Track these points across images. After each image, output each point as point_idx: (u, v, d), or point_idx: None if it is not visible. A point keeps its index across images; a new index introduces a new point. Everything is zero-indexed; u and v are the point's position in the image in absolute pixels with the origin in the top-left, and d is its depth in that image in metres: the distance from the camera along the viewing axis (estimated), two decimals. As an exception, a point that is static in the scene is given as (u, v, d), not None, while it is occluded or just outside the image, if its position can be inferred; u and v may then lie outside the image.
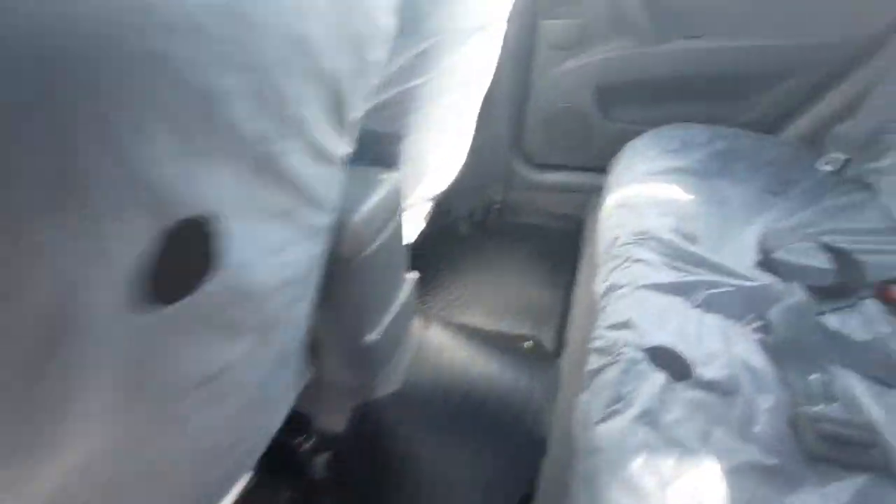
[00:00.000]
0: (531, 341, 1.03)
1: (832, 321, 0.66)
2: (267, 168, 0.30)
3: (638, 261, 0.73)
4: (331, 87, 0.32)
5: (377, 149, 0.78)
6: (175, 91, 0.22)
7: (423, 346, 0.93)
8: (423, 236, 1.41)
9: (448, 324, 1.03)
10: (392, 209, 0.76)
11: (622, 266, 0.74)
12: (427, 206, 1.14)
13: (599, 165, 1.21)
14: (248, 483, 0.85)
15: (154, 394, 0.29)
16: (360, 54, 0.33)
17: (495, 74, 1.30)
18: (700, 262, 0.72)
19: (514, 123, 1.40)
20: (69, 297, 0.21)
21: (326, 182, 0.41)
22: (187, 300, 0.27)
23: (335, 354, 0.76)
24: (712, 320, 0.63)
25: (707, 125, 1.14)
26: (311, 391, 0.78)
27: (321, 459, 0.83)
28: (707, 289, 0.66)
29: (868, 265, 0.77)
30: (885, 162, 0.94)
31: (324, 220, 0.48)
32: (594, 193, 1.19)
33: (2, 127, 0.17)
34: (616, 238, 0.81)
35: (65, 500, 0.27)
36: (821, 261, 0.76)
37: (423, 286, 1.32)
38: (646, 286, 0.68)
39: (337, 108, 0.34)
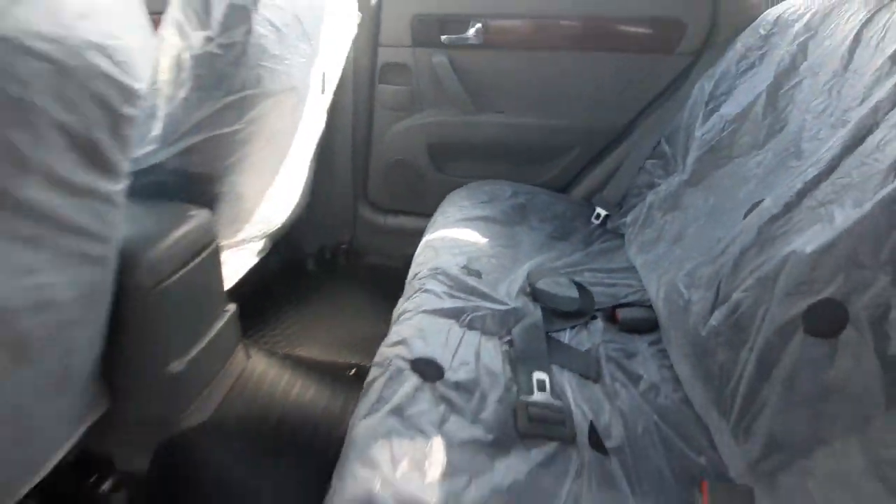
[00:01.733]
0: (356, 368, 1.11)
1: (565, 336, 0.86)
2: (4, 199, 0.36)
3: (427, 291, 0.87)
4: (78, 134, 0.39)
5: (190, 188, 0.84)
6: None
7: (244, 375, 0.96)
8: (272, 273, 1.45)
9: (274, 354, 1.08)
10: (201, 243, 0.81)
11: (414, 296, 0.87)
12: (260, 245, 1.20)
13: (432, 212, 1.38)
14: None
15: None
16: (109, 109, 0.41)
17: (340, 129, 1.43)
18: (474, 292, 0.88)
19: (358, 173, 1.54)
20: None
21: (90, 213, 0.47)
22: None
23: (135, 385, 0.77)
24: (471, 337, 0.78)
25: (512, 182, 1.38)
26: (109, 428, 0.77)
27: (119, 498, 0.81)
28: (473, 312, 0.82)
29: (603, 294, 1.00)
30: (628, 219, 1.23)
31: (98, 248, 0.53)
32: (426, 236, 1.35)
33: None
34: (416, 273, 0.95)
35: None
36: (569, 291, 0.96)
37: (262, 321, 1.35)
38: (427, 311, 0.81)
39: (89, 150, 0.41)
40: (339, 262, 1.63)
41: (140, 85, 0.44)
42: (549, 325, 0.86)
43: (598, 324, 0.91)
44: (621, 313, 0.94)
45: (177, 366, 0.79)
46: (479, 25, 1.31)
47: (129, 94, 0.43)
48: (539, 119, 1.41)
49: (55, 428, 0.63)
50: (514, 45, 1.35)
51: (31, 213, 0.39)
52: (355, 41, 1.28)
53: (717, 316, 0.72)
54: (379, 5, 1.32)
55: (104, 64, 0.39)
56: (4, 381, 0.47)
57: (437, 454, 0.57)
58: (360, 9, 1.22)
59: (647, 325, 0.94)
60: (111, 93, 0.41)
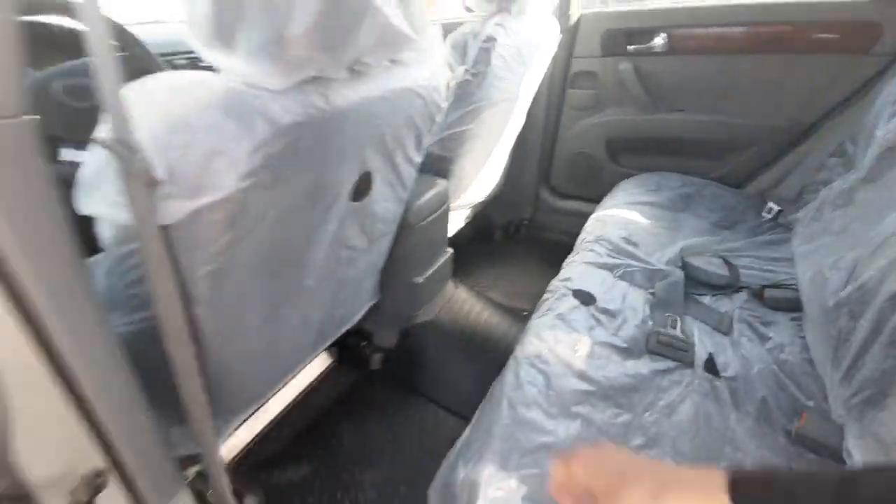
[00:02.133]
0: (528, 312, 1.44)
1: (705, 299, 1.05)
2: (390, 161, 0.78)
3: (590, 251, 1.15)
4: (417, 132, 0.80)
5: (438, 166, 1.27)
6: (372, 135, 0.70)
7: (452, 298, 1.38)
8: (469, 237, 1.87)
9: (472, 290, 1.48)
10: (441, 202, 1.23)
11: (580, 252, 1.16)
12: (467, 212, 1.61)
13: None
14: (330, 365, 1.32)
15: (336, 238, 0.76)
16: (431, 118, 0.80)
17: (532, 127, 1.77)
18: (630, 255, 1.12)
19: (544, 162, 1.85)
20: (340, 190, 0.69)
21: (409, 175, 0.89)
22: (359, 203, 0.75)
23: (394, 287, 1.22)
24: (621, 284, 1.04)
25: (682, 175, 1.54)
26: (375, 315, 1.24)
27: (377, 357, 1.29)
28: (626, 268, 1.07)
29: (756, 277, 1.13)
30: (801, 214, 1.29)
31: (405, 195, 0.96)
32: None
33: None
34: (584, 238, 1.23)
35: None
36: (719, 268, 1.13)
37: (462, 269, 1.77)
38: (588, 262, 1.09)
39: (418, 140, 0.82)
40: (520, 235, 1.98)
41: (444, 103, 0.83)
42: (691, 289, 1.06)
43: (742, 296, 1.07)
44: (768, 292, 1.07)
45: (418, 279, 1.23)
46: (664, 35, 1.49)
47: (439, 109, 0.82)
48: (718, 117, 1.52)
49: (366, 296, 1.10)
50: (698, 51, 1.49)
51: (397, 170, 0.82)
52: (553, 55, 1.59)
53: (847, 290, 0.84)
54: (577, 25, 1.60)
55: (436, 96, 0.78)
56: (363, 254, 0.92)
57: (584, 344, 0.87)
58: (561, 30, 1.52)
59: (791, 305, 1.05)
60: (433, 109, 0.80)
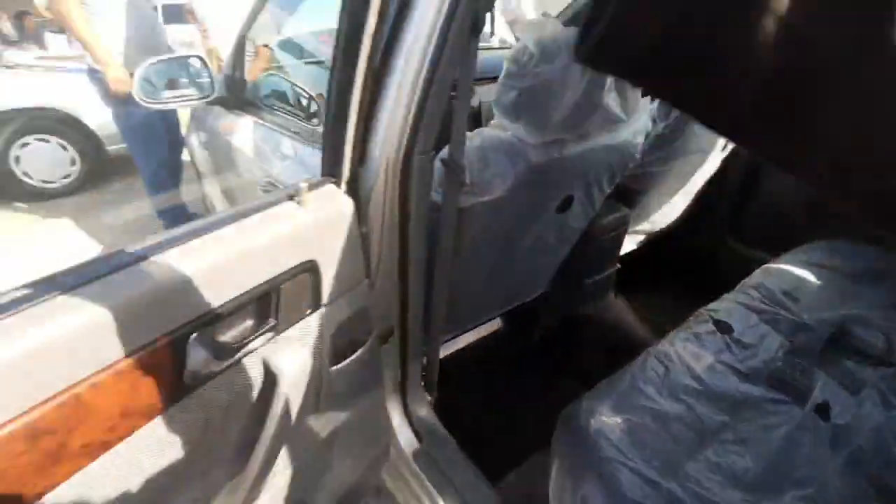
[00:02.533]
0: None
1: (847, 362, 1.14)
2: (588, 190, 1.13)
3: (746, 293, 1.31)
4: (612, 173, 1.13)
5: (625, 195, 1.56)
6: (581, 173, 1.07)
7: (610, 304, 1.67)
8: (639, 259, 2.08)
9: (627, 303, 1.74)
10: (619, 225, 1.52)
11: (736, 292, 1.33)
12: (641, 237, 1.85)
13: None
14: (500, 329, 1.74)
15: (539, 234, 1.16)
16: (626, 165, 1.12)
17: (730, 172, 1.88)
18: (783, 306, 1.26)
19: (734, 210, 1.95)
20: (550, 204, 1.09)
21: (599, 200, 1.23)
22: (559, 215, 1.13)
23: (566, 281, 1.57)
24: (764, 327, 1.19)
25: (886, 249, 1.52)
26: (546, 301, 1.60)
27: (538, 333, 1.66)
28: (774, 314, 1.22)
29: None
30: None
31: (592, 214, 1.30)
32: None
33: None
34: (745, 283, 1.39)
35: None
36: (875, 338, 1.19)
37: (625, 283, 2.02)
38: (739, 302, 1.27)
39: (611, 179, 1.15)
40: (688, 268, 2.11)
41: (638, 155, 1.14)
42: (834, 351, 1.16)
43: (890, 371, 1.12)
44: (927, 377, 1.11)
45: (587, 280, 1.55)
46: None
47: (633, 159, 1.14)
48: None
49: (543, 282, 1.48)
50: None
51: (592, 196, 1.17)
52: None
53: None
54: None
55: (633, 150, 1.10)
56: (552, 249, 1.29)
57: (707, 356, 1.10)
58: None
59: (951, 395, 1.07)
60: (629, 159, 1.12)
